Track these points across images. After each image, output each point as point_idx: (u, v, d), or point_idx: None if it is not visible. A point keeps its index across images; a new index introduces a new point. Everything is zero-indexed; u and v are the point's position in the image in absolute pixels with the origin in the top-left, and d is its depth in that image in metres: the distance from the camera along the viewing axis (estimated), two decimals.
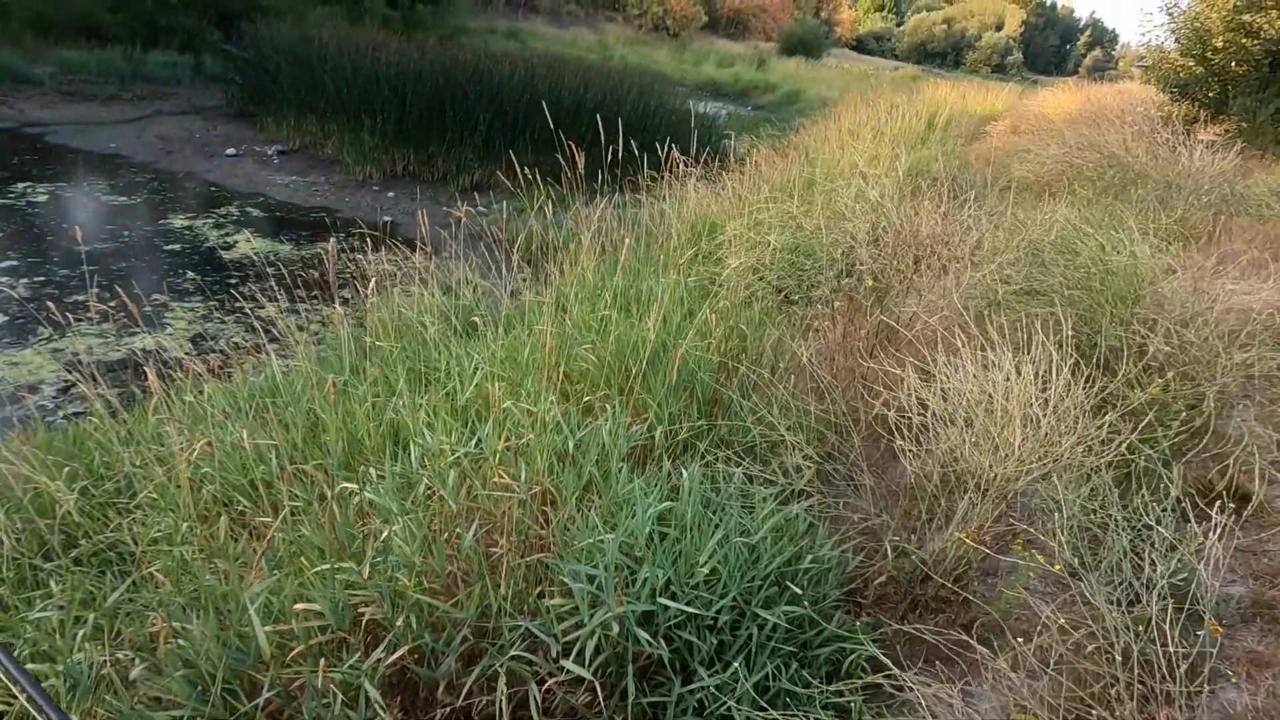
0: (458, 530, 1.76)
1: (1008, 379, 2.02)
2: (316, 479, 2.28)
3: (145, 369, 3.11)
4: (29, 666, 1.82)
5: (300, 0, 19.12)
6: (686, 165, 5.63)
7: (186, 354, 5.49)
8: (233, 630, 1.58)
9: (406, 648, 1.46)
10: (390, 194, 10.46)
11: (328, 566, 1.58)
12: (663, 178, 5.60)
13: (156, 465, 2.84)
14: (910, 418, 2.19)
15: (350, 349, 2.97)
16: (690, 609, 1.54)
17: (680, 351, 2.47)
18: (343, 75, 11.97)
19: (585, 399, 2.41)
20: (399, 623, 1.49)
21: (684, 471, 1.89)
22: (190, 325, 5.98)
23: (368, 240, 5.20)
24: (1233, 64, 8.16)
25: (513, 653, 1.51)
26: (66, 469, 2.79)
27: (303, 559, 1.79)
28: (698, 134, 5.34)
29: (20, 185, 8.64)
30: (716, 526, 1.75)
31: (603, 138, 3.84)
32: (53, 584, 2.37)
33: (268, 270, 7.29)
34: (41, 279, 6.45)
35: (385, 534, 1.45)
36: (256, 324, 4.18)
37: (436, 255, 4.64)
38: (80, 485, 2.79)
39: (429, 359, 3.30)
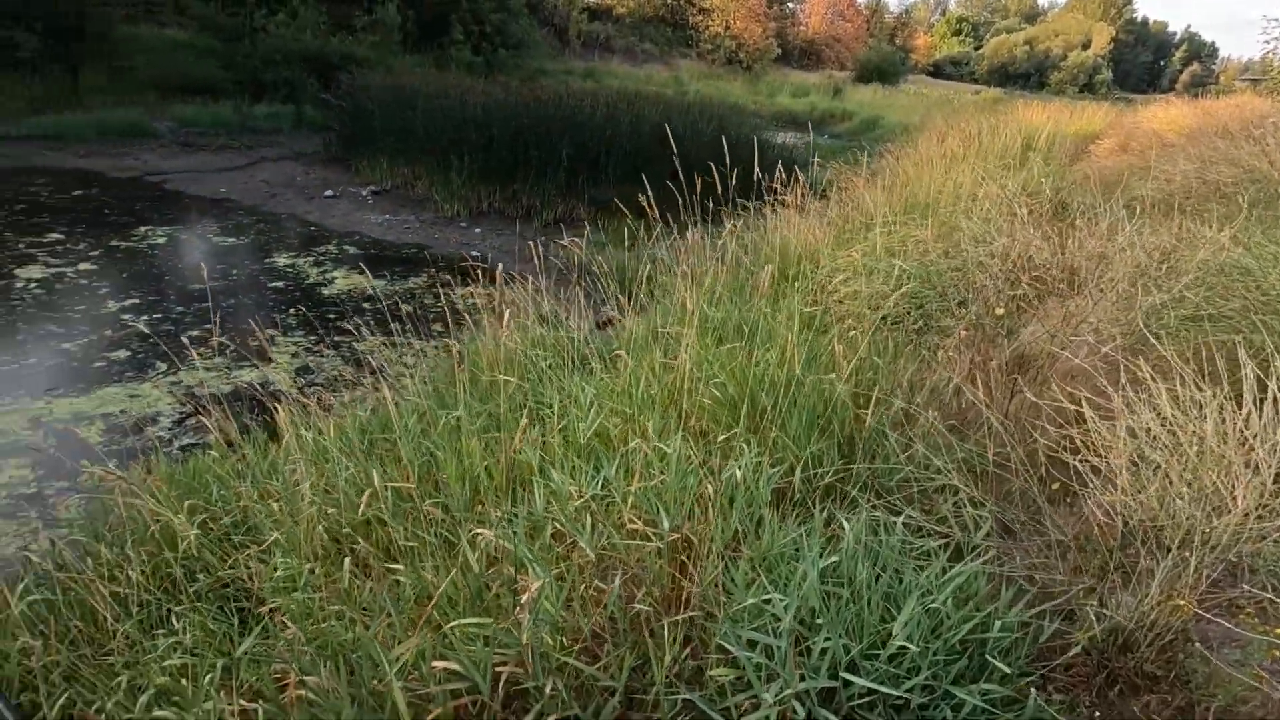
0: (594, 582, 1.62)
1: (1220, 415, 1.75)
2: (435, 520, 2.19)
3: (264, 403, 3.15)
4: (156, 713, 1.76)
5: (391, 51, 20.14)
6: (772, 194, 5.48)
7: (293, 387, 5.64)
8: (364, 686, 1.47)
9: (555, 717, 1.31)
10: (477, 230, 10.69)
11: (471, 621, 1.46)
12: (750, 207, 5.46)
13: (273, 501, 2.84)
14: (1088, 459, 1.93)
15: (461, 384, 2.90)
16: (880, 686, 1.34)
17: (809, 384, 2.29)
18: (431, 119, 12.44)
19: (717, 437, 2.25)
20: (547, 688, 1.35)
21: (844, 521, 1.70)
22: (294, 359, 6.14)
23: (459, 274, 5.23)
24: None
25: None
26: (188, 503, 2.81)
27: (430, 608, 1.68)
28: (781, 163, 5.18)
29: (142, 229, 9.23)
30: (891, 587, 1.55)
31: (707, 169, 3.74)
32: (175, 621, 2.36)
33: (364, 305, 7.52)
34: (160, 315, 6.79)
35: (536, 587, 1.32)
36: (360, 358, 4.20)
37: (524, 289, 4.62)
38: (199, 519, 2.79)
39: (538, 393, 3.22)
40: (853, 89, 31.87)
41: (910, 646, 1.38)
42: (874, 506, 1.99)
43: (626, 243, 4.19)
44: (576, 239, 3.93)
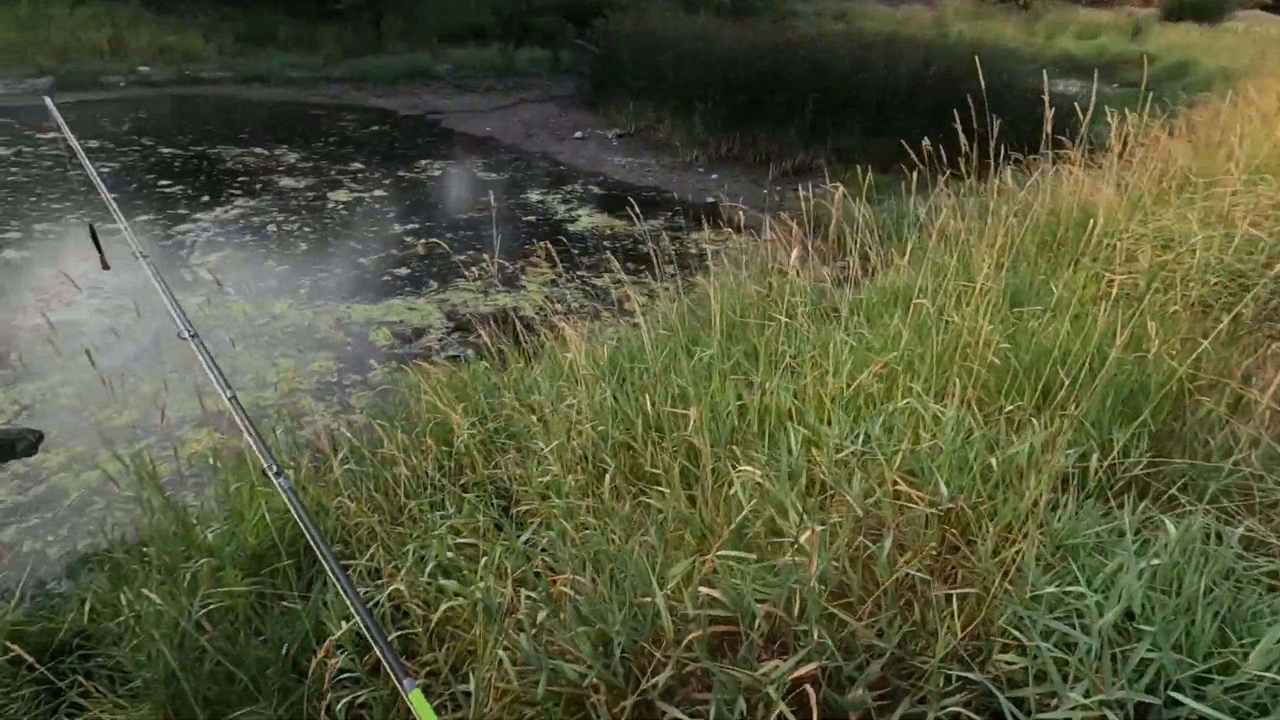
0: (858, 539, 1.55)
1: None
2: (691, 451, 2.23)
3: (517, 325, 3.41)
4: (441, 582, 2.00)
5: None
6: (1050, 148, 4.77)
7: (540, 313, 6.10)
8: (628, 598, 1.54)
9: (817, 665, 1.28)
10: (714, 176, 10.67)
11: (734, 555, 1.48)
12: (1022, 162, 4.81)
13: (533, 414, 3.09)
14: None
15: (711, 321, 2.90)
16: (1219, 715, 1.14)
17: (1113, 363, 1.98)
18: (678, 63, 12.51)
19: (995, 407, 2.04)
20: (814, 634, 1.31)
21: (1167, 521, 1.46)
22: (541, 289, 6.59)
23: (696, 218, 5.21)
24: None
25: (952, 707, 1.25)
26: (461, 405, 3.13)
27: (686, 536, 1.72)
28: (1059, 114, 4.45)
29: (423, 162, 10.38)
30: (1227, 605, 1.30)
31: (968, 119, 3.32)
32: (448, 506, 2.66)
33: (604, 243, 7.89)
34: (434, 240, 7.62)
35: (814, 531, 1.28)
36: (599, 293, 4.38)
37: (758, 236, 4.50)
38: (469, 420, 3.11)
39: (788, 341, 3.15)
40: (1159, 29, 26.91)
41: (1272, 677, 1.15)
42: (1200, 511, 1.68)
43: (874, 195, 3.90)
44: (819, 187, 3.72)
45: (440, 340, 5.59)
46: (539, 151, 11.44)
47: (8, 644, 1.72)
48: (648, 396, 2.63)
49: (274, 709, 1.61)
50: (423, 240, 7.53)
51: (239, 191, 8.54)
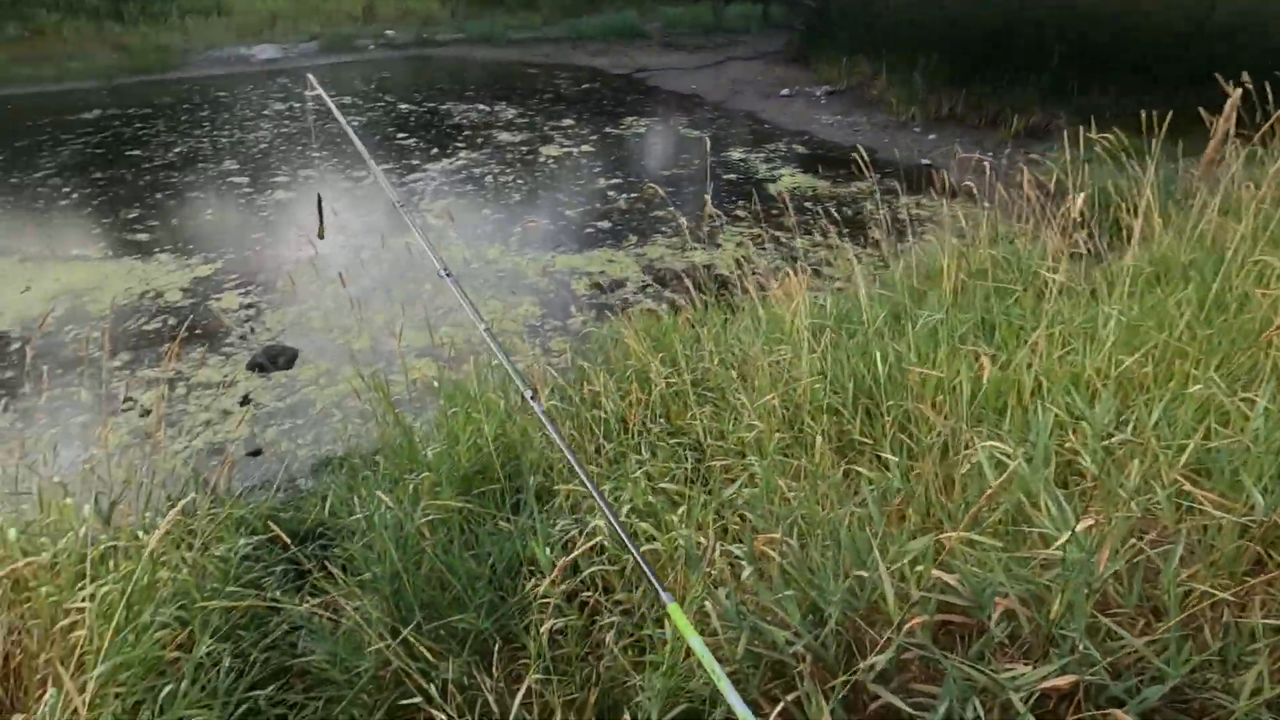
0: (1134, 544, 1.30)
1: None
2: (915, 421, 2.04)
3: (712, 281, 3.30)
4: (640, 524, 2.00)
5: None
6: None
7: (735, 272, 5.98)
8: (841, 569, 1.42)
9: (1076, 678, 1.08)
10: (931, 136, 9.82)
11: (970, 536, 1.30)
12: None
13: (730, 368, 3.01)
14: None
15: (944, 288, 2.63)
16: None
17: None
18: (901, 14, 11.59)
19: None
20: (1079, 644, 1.12)
21: None
22: (738, 248, 6.45)
23: (906, 182, 4.77)
24: None
25: None
26: (660, 355, 3.12)
27: (909, 511, 1.56)
28: None
29: (629, 119, 10.53)
30: None
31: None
32: (644, 452, 2.67)
33: (805, 205, 7.55)
34: (635, 195, 7.71)
35: (1086, 525, 1.08)
36: (796, 254, 4.15)
37: (980, 202, 4.00)
38: (666, 372, 3.08)
39: (1011, 314, 2.79)
40: None
41: None
42: None
43: (1129, 159, 3.29)
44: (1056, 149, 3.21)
45: (634, 294, 5.65)
46: (743, 109, 11.17)
47: (270, 524, 1.94)
48: (861, 359, 2.44)
49: (481, 620, 1.69)
50: (628, 195, 7.66)
51: (463, 145, 9.18)
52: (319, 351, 4.77)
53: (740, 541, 1.80)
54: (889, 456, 1.77)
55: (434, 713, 1.47)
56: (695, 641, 1.13)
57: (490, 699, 1.48)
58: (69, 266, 5.88)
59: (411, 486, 2.13)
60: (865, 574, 1.36)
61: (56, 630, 1.86)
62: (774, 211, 7.23)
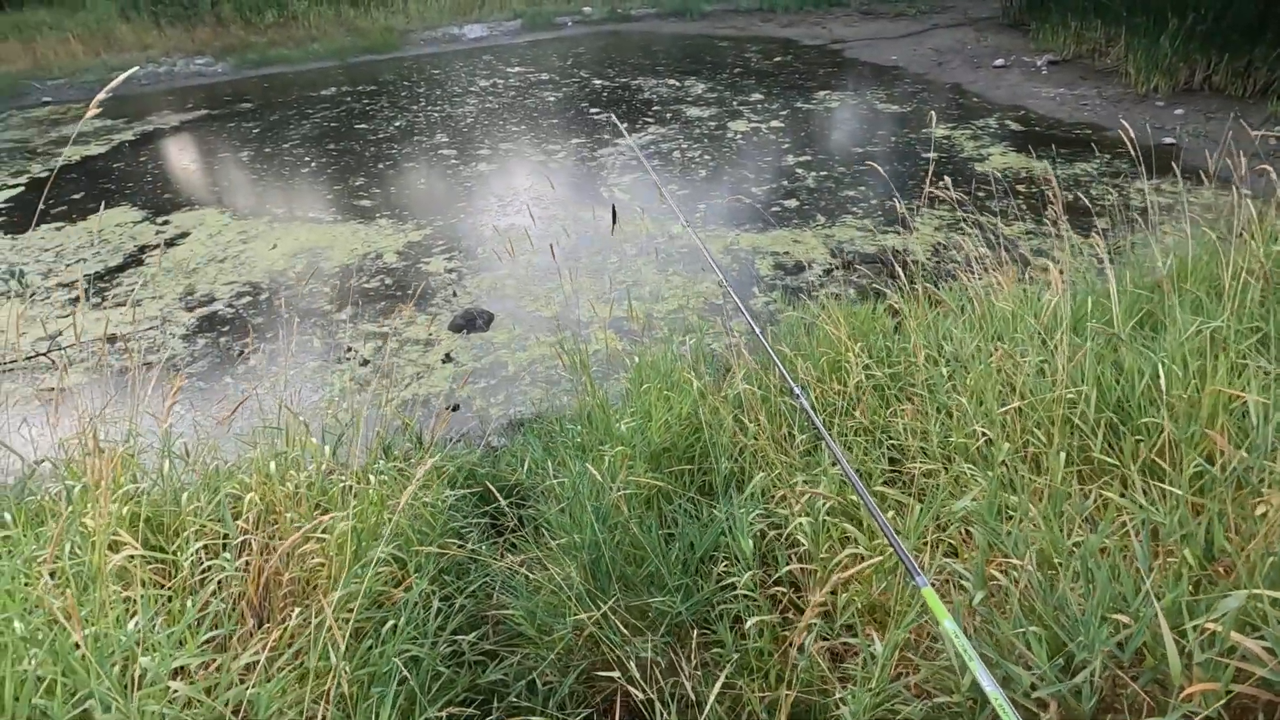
0: None
1: None
2: (1154, 445, 1.75)
3: (903, 268, 3.02)
4: (845, 525, 1.89)
5: None
6: None
7: (930, 259, 5.56)
8: (1097, 610, 1.23)
9: None
10: (1178, 110, 8.53)
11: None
12: None
13: (939, 364, 2.77)
14: None
15: (1224, 285, 2.24)
16: None
17: None
18: None
19: None
20: None
21: None
22: (935, 232, 5.99)
23: (1144, 164, 4.14)
24: None
25: None
26: (858, 344, 2.94)
27: (1185, 553, 1.32)
28: None
29: (821, 93, 10.09)
30: None
31: None
32: (825, 455, 2.53)
33: (1018, 187, 6.84)
34: (824, 173, 7.39)
35: None
36: (1003, 242, 3.74)
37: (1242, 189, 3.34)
38: (863, 363, 2.90)
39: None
40: None
41: None
42: None
43: None
44: None
45: (820, 277, 5.42)
46: (949, 81, 10.33)
47: (482, 480, 2.04)
48: (1108, 367, 2.14)
49: (678, 602, 1.68)
50: (817, 173, 7.35)
51: (652, 120, 9.25)
52: (512, 316, 5.03)
53: (957, 556, 1.64)
54: (1156, 485, 1.52)
55: (630, 689, 1.48)
56: (949, 623, 1.04)
57: (687, 685, 1.46)
58: (307, 227, 6.63)
59: (607, 459, 2.16)
60: (1127, 620, 1.17)
61: (298, 555, 2.08)
62: (981, 193, 6.63)
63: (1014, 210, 6.38)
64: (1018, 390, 2.08)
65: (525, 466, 2.60)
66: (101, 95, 1.67)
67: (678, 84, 10.89)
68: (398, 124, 9.66)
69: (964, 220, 6.13)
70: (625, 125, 9.05)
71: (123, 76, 1.94)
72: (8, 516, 1.99)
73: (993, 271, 3.36)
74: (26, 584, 1.67)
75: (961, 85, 10.11)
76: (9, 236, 6.65)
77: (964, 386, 2.37)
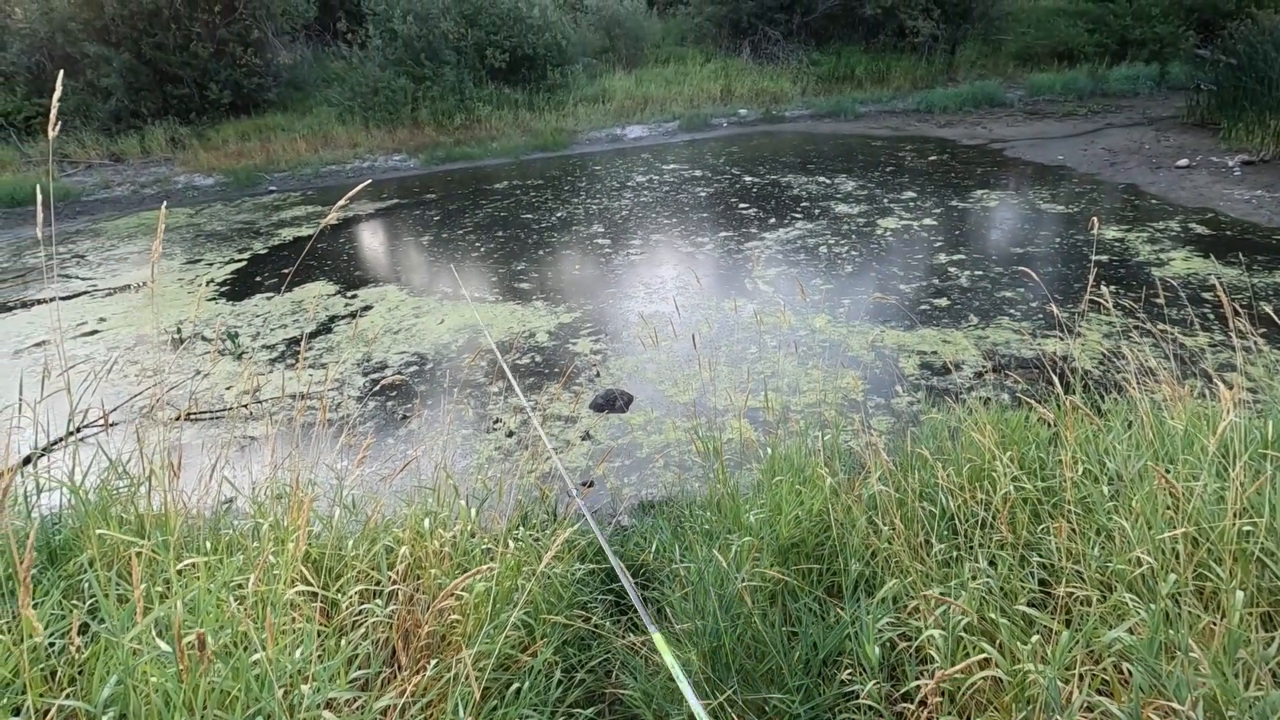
0: None
1: None
2: None
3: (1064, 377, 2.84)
4: (983, 645, 1.78)
5: None
6: None
7: (1098, 368, 5.17)
8: None
9: None
10: None
11: None
12: None
13: (1099, 482, 2.58)
14: None
15: None
16: None
17: None
18: None
19: None
20: None
21: None
22: (1103, 340, 5.58)
23: None
24: None
25: None
26: (1007, 454, 2.79)
27: None
28: None
29: (979, 192, 9.86)
30: None
31: None
32: (980, 559, 2.39)
33: (1203, 295, 6.27)
34: (980, 272, 7.15)
35: None
36: (1185, 355, 3.42)
37: None
38: (1013, 473, 2.74)
39: None
40: None
41: None
42: None
43: None
44: None
45: (970, 380, 5.19)
46: (1123, 182, 9.77)
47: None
48: None
49: (798, 704, 1.64)
50: (971, 273, 7.13)
51: (800, 215, 9.42)
52: (651, 399, 5.18)
53: (1110, 695, 1.50)
54: None
55: None
56: None
57: None
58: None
59: (734, 549, 2.18)
60: None
61: (436, 609, 2.23)
62: (1158, 300, 6.14)
63: (1196, 320, 5.84)
64: (1189, 516, 1.90)
65: (653, 548, 2.66)
66: (343, 201, 2.01)
67: (828, 181, 11.06)
68: (559, 214, 10.45)
69: (1136, 328, 5.68)
70: (773, 220, 9.28)
71: (357, 189, 2.31)
72: (207, 545, 2.30)
73: (1166, 385, 3.10)
74: (218, 605, 1.93)
75: (1138, 186, 9.53)
76: (230, 303, 7.78)
77: (1126, 508, 2.18)
